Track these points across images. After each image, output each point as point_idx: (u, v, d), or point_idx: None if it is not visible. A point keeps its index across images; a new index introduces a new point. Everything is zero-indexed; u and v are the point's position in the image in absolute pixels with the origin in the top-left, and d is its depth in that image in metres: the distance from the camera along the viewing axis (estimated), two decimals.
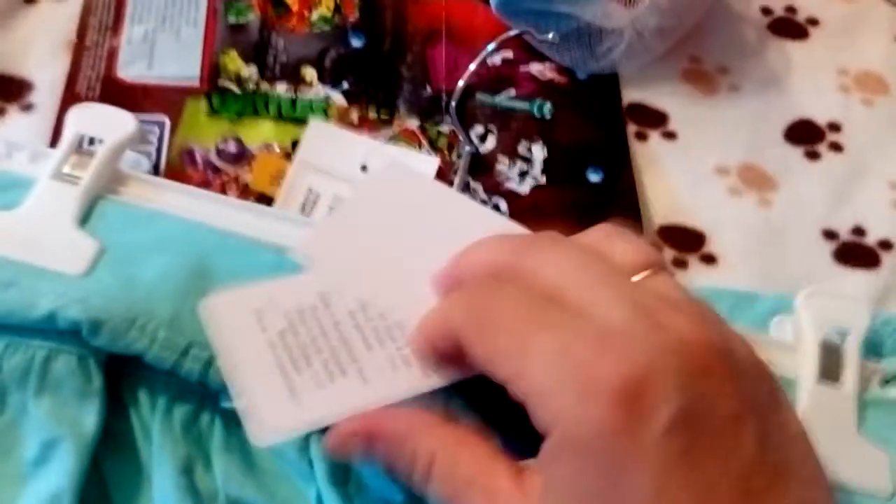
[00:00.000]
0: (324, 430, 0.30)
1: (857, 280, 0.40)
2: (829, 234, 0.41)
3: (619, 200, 0.41)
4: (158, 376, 0.31)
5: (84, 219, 0.32)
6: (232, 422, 0.31)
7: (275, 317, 0.27)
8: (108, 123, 0.35)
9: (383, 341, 0.27)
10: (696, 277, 0.40)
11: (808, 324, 0.33)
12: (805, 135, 0.44)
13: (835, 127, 0.45)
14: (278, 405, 0.26)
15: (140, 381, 0.31)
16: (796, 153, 0.44)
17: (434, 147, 0.41)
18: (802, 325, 0.33)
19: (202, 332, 0.29)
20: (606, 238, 0.26)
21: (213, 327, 0.27)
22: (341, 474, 0.29)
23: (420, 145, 0.41)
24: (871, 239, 0.42)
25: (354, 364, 0.27)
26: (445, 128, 0.42)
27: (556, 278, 0.24)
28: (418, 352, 0.27)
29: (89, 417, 0.29)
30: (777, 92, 0.46)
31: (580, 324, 0.23)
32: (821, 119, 0.45)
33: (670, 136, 0.44)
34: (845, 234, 0.42)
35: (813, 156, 0.44)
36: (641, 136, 0.44)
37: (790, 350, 0.32)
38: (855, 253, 0.41)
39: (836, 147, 0.44)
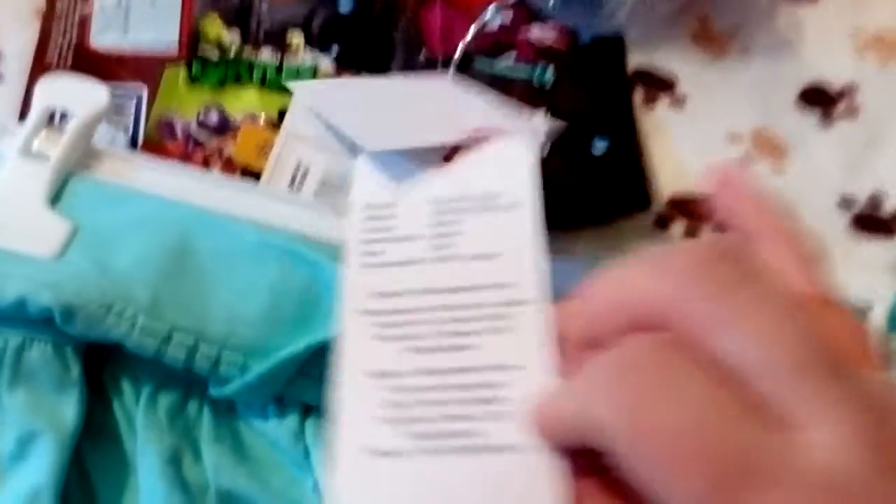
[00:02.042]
0: (318, 414, 0.30)
1: (873, 250, 0.40)
2: (845, 203, 0.41)
3: (626, 172, 0.40)
4: (142, 363, 0.30)
5: (55, 198, 0.32)
6: (221, 409, 0.31)
7: (385, 434, 0.22)
8: (79, 96, 0.34)
9: (470, 326, 0.24)
10: None
11: None
12: (819, 99, 0.44)
13: (849, 91, 0.44)
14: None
15: (123, 368, 0.31)
16: (810, 119, 0.43)
17: None
18: None
19: (185, 317, 0.29)
20: (808, 281, 0.19)
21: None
22: None
23: None
24: (888, 207, 0.41)
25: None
26: None
27: (754, 361, 0.16)
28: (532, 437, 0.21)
29: (68, 409, 0.29)
30: (789, 54, 0.45)
31: (792, 467, 0.16)
32: (835, 83, 0.44)
33: (679, 101, 0.43)
34: (862, 203, 0.41)
35: (827, 121, 0.43)
36: (648, 103, 0.43)
37: None
38: (872, 222, 0.41)
39: (852, 112, 0.44)
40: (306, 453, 0.29)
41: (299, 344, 0.29)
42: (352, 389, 0.23)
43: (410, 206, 0.27)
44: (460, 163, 0.28)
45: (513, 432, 0.21)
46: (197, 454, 0.30)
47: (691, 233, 0.40)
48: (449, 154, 0.29)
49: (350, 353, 0.24)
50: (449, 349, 0.23)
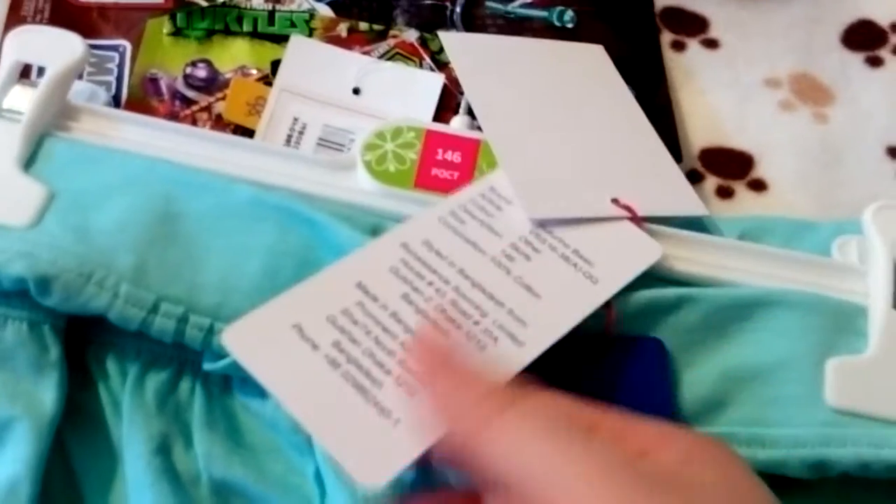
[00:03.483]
0: None
1: None
2: (894, 151, 0.40)
3: (654, 122, 0.38)
4: (129, 341, 0.29)
5: (29, 161, 0.30)
6: (216, 388, 0.29)
7: (319, 327, 0.24)
8: (52, 48, 0.32)
9: (460, 318, 0.26)
10: (745, 207, 0.38)
11: (879, 242, 0.30)
12: (865, 38, 0.43)
13: None
14: (372, 431, 0.23)
15: (107, 348, 0.29)
16: (856, 60, 0.42)
17: (437, 63, 0.39)
18: (872, 244, 0.31)
19: (173, 284, 0.28)
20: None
21: (251, 362, 0.24)
22: None
23: (421, 61, 0.39)
24: None
25: None
26: None
27: None
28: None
29: (47, 393, 0.28)
30: None
31: None
32: (883, 20, 0.43)
33: (711, 44, 0.42)
34: None
35: (874, 62, 0.42)
36: (678, 46, 0.42)
37: (858, 274, 0.31)
38: None
39: None
40: (308, 438, 0.28)
41: None
42: (331, 283, 0.26)
43: (518, 213, 0.29)
44: (588, 217, 0.30)
45: (399, 401, 0.23)
46: (188, 440, 0.28)
47: (725, 190, 0.39)
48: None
49: (358, 260, 0.26)
50: (426, 318, 0.26)
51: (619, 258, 0.29)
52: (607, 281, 0.28)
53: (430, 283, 0.26)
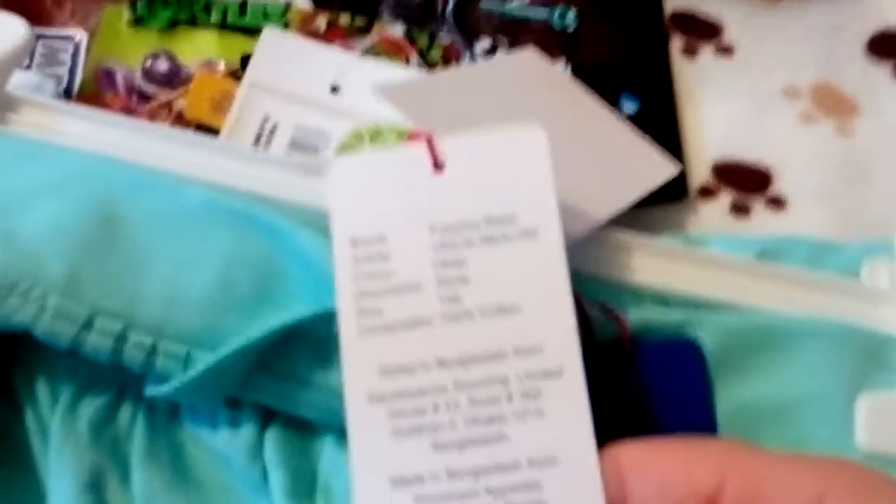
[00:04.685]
0: (281, 424, 0.26)
1: None
2: None
3: (660, 134, 0.36)
4: (62, 362, 0.27)
5: None
6: (160, 418, 0.27)
7: None
8: None
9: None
10: (762, 226, 0.37)
11: None
12: (891, 47, 0.41)
13: None
14: None
15: (37, 369, 0.27)
16: (882, 70, 0.40)
17: (426, 61, 0.37)
18: None
19: (111, 297, 0.25)
20: None
21: None
22: (306, 485, 0.26)
23: (407, 59, 0.37)
24: None
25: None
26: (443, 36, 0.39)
27: None
28: None
29: None
30: None
31: None
32: None
33: (726, 51, 0.41)
34: None
35: None
36: (689, 53, 0.40)
37: (889, 300, 0.29)
38: None
39: None
40: (264, 475, 0.25)
41: (257, 329, 0.25)
42: (371, 499, 0.21)
43: (406, 238, 0.23)
44: (457, 173, 0.24)
45: None
46: (125, 475, 0.26)
47: (741, 207, 0.37)
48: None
49: (362, 453, 0.22)
50: (474, 443, 0.22)
51: (521, 183, 0.24)
52: (544, 220, 0.23)
53: (434, 407, 0.22)
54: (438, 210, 0.23)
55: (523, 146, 0.24)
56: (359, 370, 0.22)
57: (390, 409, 0.22)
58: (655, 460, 0.21)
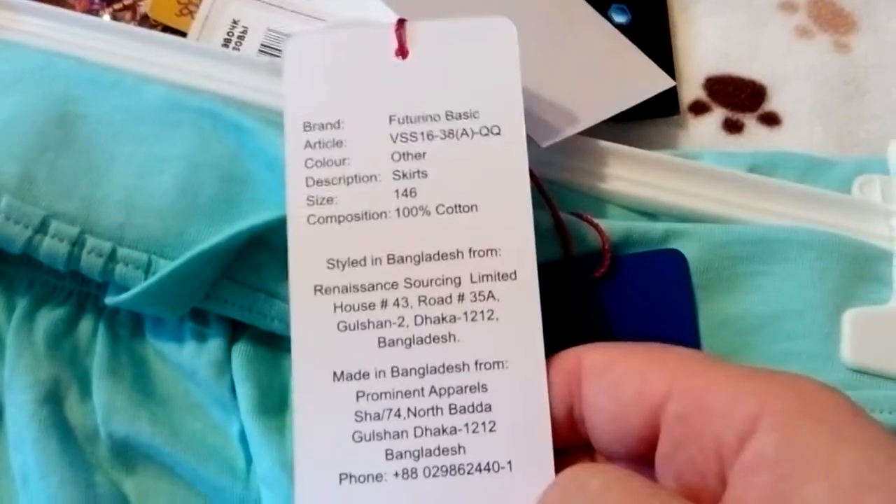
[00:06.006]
0: (248, 338, 0.26)
1: None
2: None
3: (651, 48, 0.35)
4: (19, 270, 0.26)
5: None
6: (123, 330, 0.26)
7: None
8: None
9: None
10: (755, 143, 0.36)
11: None
12: None
13: None
14: None
15: None
16: None
17: None
18: None
19: (66, 199, 0.24)
20: None
21: None
22: (275, 400, 0.25)
23: None
24: None
25: None
26: None
27: None
28: None
29: None
30: None
31: None
32: None
33: None
34: None
35: None
36: None
37: (882, 214, 0.29)
38: None
39: None
40: (232, 390, 0.25)
41: (222, 234, 0.23)
42: (312, 394, 0.21)
43: (363, 126, 0.22)
44: (422, 61, 0.23)
45: (500, 447, 0.20)
46: (85, 390, 0.25)
47: (734, 123, 0.36)
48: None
49: (305, 345, 0.21)
50: (422, 341, 0.21)
51: (486, 77, 0.23)
52: (508, 119, 0.22)
53: (384, 303, 0.21)
54: (400, 99, 0.22)
55: (493, 40, 0.23)
56: (305, 260, 0.21)
57: (336, 302, 0.21)
58: (613, 365, 0.20)
